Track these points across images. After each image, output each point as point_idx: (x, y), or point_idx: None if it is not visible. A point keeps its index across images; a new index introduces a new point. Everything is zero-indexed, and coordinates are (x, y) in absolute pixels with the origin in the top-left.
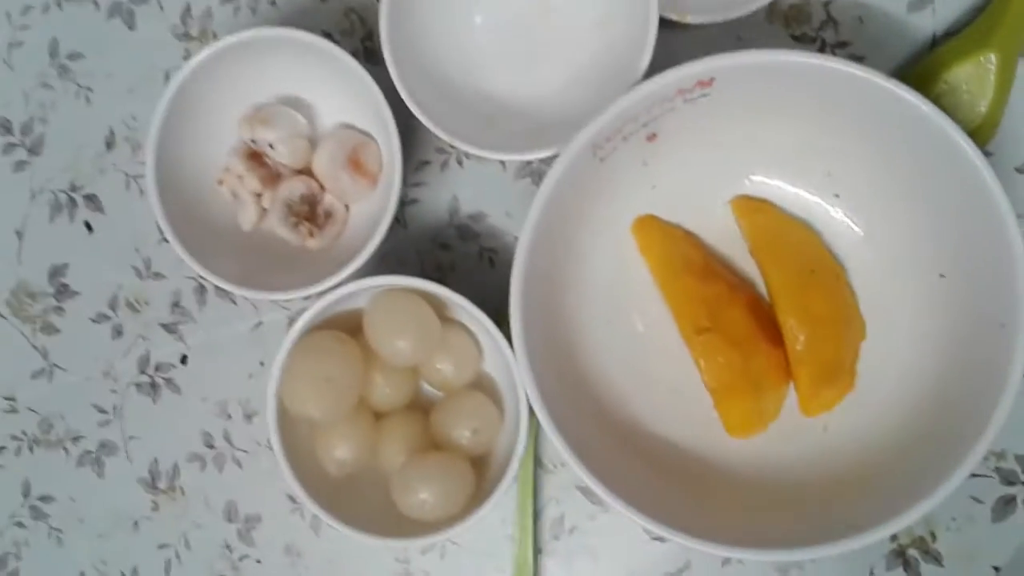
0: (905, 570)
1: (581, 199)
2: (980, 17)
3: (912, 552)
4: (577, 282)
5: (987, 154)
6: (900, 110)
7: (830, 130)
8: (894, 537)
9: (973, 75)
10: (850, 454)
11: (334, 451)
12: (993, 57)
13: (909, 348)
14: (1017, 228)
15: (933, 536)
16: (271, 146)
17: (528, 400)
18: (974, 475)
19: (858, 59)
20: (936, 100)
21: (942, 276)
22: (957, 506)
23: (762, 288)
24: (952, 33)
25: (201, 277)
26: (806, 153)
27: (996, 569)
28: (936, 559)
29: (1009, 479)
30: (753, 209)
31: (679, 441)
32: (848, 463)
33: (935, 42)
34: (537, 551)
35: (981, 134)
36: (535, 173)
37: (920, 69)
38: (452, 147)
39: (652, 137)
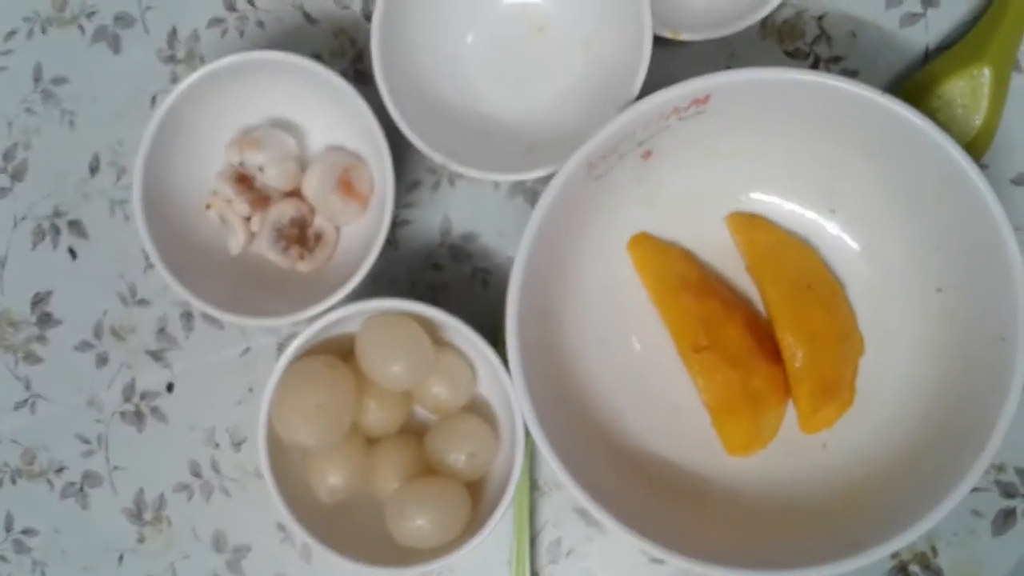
0: None
1: (577, 218)
2: (972, 31)
3: (914, 568)
4: (573, 301)
5: (982, 167)
6: (895, 125)
7: (825, 146)
8: (895, 553)
9: (967, 89)
10: (850, 471)
11: (326, 478)
12: (987, 71)
13: (908, 363)
14: (1015, 241)
15: (934, 551)
16: (260, 169)
17: (524, 422)
18: (975, 489)
19: (851, 74)
20: (931, 114)
21: (939, 290)
22: (958, 520)
23: (759, 305)
24: (945, 47)
25: (188, 303)
26: (802, 169)
27: None
28: (937, 574)
29: (1009, 492)
30: (749, 225)
31: (677, 460)
32: (848, 480)
33: (928, 56)
34: (534, 575)
35: (976, 147)
36: (528, 192)
37: (914, 83)
38: (444, 167)
39: (647, 155)
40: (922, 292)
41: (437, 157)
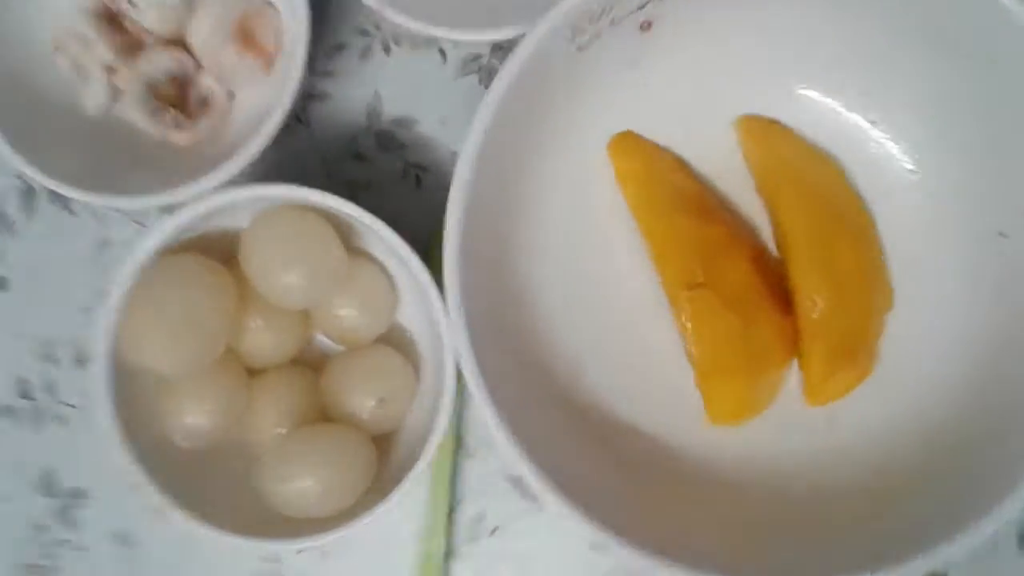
0: None
1: (547, 102)
2: None
3: None
4: (532, 214)
5: None
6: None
7: (872, 30)
8: None
9: None
10: (861, 458)
11: (184, 416)
12: None
13: (949, 326)
14: None
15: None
16: (131, 4)
17: (456, 362)
18: None
19: None
20: None
21: (1002, 235)
22: None
23: (769, 237)
24: None
25: (26, 177)
26: (837, 62)
27: None
28: None
29: None
30: (764, 132)
31: (645, 425)
32: (857, 470)
33: None
34: (448, 554)
35: None
36: (484, 70)
37: None
38: (378, 28)
39: (647, 26)
40: (978, 235)
41: (372, 2)
